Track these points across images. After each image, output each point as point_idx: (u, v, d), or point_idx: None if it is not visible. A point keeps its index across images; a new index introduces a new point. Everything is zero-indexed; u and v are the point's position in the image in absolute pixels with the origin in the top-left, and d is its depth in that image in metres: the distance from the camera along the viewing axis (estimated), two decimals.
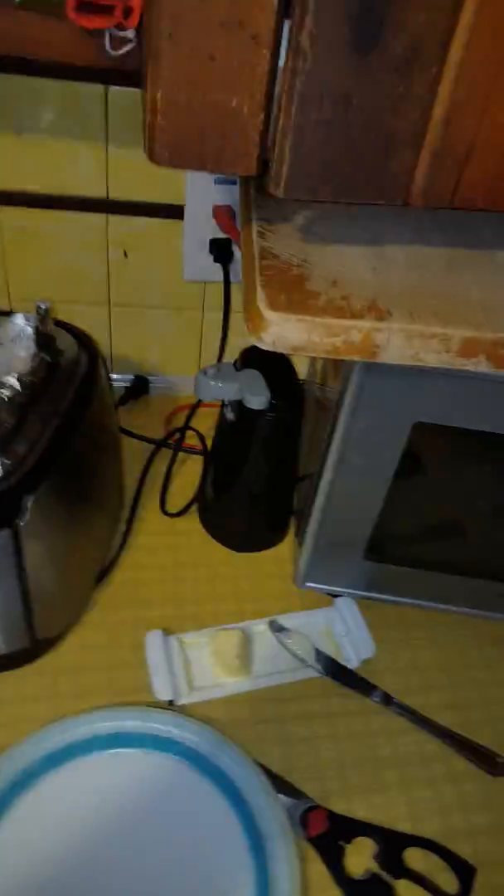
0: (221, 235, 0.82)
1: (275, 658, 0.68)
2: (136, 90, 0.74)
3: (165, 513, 0.80)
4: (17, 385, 0.57)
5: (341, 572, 0.72)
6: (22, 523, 0.56)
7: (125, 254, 0.84)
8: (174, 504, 0.81)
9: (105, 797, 0.58)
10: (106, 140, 0.77)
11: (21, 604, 0.59)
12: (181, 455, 0.85)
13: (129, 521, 0.78)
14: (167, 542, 0.78)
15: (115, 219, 0.82)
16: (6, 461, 0.57)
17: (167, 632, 0.68)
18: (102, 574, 0.73)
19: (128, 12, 0.59)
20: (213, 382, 0.68)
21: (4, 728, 0.61)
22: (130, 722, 0.60)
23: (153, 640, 0.66)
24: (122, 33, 0.60)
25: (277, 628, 0.70)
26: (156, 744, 0.60)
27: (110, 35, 0.60)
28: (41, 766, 0.58)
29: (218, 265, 0.84)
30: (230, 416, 0.71)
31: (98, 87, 0.73)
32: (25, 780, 0.57)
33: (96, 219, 0.82)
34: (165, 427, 0.90)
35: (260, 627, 0.70)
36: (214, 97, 0.41)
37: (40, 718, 0.61)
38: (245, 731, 0.62)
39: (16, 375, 0.57)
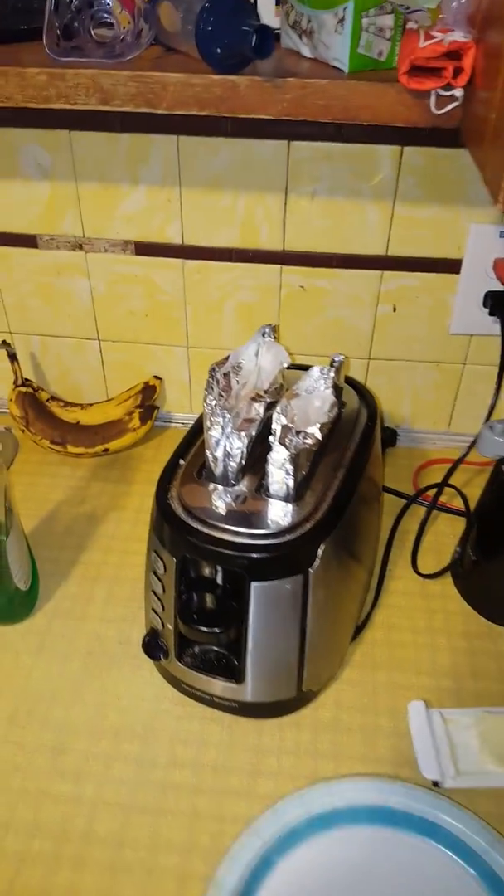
0: (500, 288, 0.80)
1: None
2: (427, 148, 0.74)
3: (418, 572, 0.76)
4: (318, 435, 0.57)
5: None
6: (312, 570, 0.56)
7: (394, 308, 0.84)
8: (424, 564, 0.77)
9: (365, 873, 0.54)
10: (394, 198, 0.78)
11: (297, 651, 0.59)
12: (433, 513, 0.82)
13: (381, 578, 0.76)
14: (420, 605, 0.74)
15: (389, 274, 0.82)
16: (301, 509, 0.57)
17: (428, 704, 0.64)
18: (358, 630, 0.70)
19: (457, 72, 0.59)
20: (498, 438, 0.64)
21: (266, 778, 0.60)
22: (396, 798, 0.57)
23: (416, 712, 0.62)
24: (447, 93, 0.60)
25: None
26: (421, 827, 0.56)
27: (437, 95, 0.61)
28: (306, 827, 0.56)
29: (492, 319, 0.81)
30: None
31: (395, 148, 0.75)
32: (289, 838, 0.55)
33: (371, 275, 0.83)
34: (414, 482, 0.88)
35: None
36: None
37: (301, 775, 0.60)
38: None
39: (318, 425, 0.57)
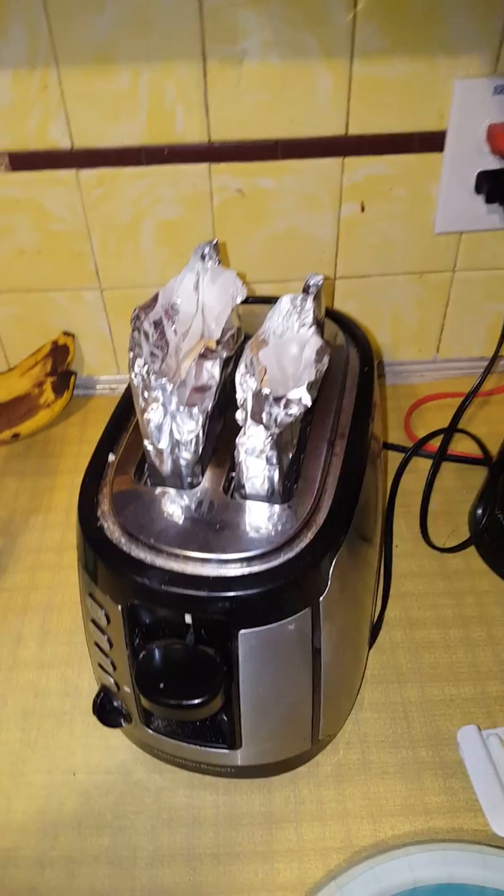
0: (496, 166, 0.61)
1: None
2: None
3: (432, 545, 0.61)
4: (307, 399, 0.39)
5: None
6: (323, 598, 0.39)
7: (362, 207, 0.65)
8: (437, 533, 0.62)
9: None
10: (351, 53, 0.57)
11: (310, 702, 0.42)
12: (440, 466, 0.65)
13: (388, 559, 0.60)
14: (441, 588, 0.59)
15: (352, 161, 0.63)
16: (294, 510, 0.40)
17: (480, 726, 0.49)
18: (373, 635, 0.55)
19: None
20: None
21: (286, 860, 0.45)
22: (464, 870, 0.43)
23: (470, 742, 0.48)
24: None
25: None
26: None
27: None
28: None
29: (488, 207, 0.63)
30: None
31: None
32: None
33: (329, 164, 0.63)
34: (405, 427, 0.71)
35: None
36: None
37: (331, 849, 0.45)
38: None
39: (306, 385, 0.39)
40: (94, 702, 0.47)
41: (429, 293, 0.71)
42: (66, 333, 0.72)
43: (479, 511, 0.59)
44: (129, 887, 0.45)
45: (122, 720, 0.46)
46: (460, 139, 0.61)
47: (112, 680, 0.44)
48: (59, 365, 0.71)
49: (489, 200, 0.63)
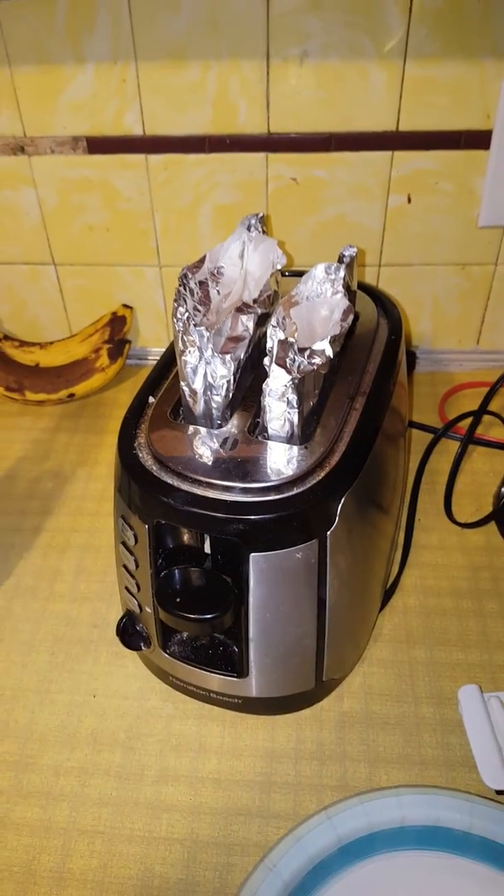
0: None
1: None
2: None
3: (454, 521, 0.63)
4: (329, 352, 0.42)
5: None
6: (330, 532, 0.42)
7: (409, 199, 0.68)
8: (460, 511, 0.64)
9: None
10: (404, 56, 0.61)
11: (315, 635, 0.45)
12: (467, 448, 0.67)
13: (409, 531, 0.62)
14: (460, 561, 0.61)
15: (401, 155, 0.66)
16: (311, 452, 0.43)
17: (482, 688, 0.51)
18: (386, 597, 0.57)
19: None
20: None
21: (282, 792, 0.48)
22: (452, 814, 0.44)
23: (470, 700, 0.49)
24: None
25: None
26: (484, 852, 0.44)
27: None
28: (338, 858, 0.43)
29: None
30: None
31: None
32: (317, 874, 0.43)
33: (380, 157, 0.67)
34: (440, 412, 0.73)
35: None
36: None
37: (326, 787, 0.48)
38: None
39: (328, 339, 0.42)
40: (118, 624, 0.51)
41: (471, 285, 0.74)
42: (125, 306, 0.78)
43: (503, 489, 0.61)
44: (134, 800, 0.48)
45: (142, 644, 0.50)
46: None
47: (136, 602, 0.48)
48: (116, 334, 0.76)
49: None
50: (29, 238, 0.75)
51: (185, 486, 0.42)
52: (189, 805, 0.48)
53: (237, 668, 0.47)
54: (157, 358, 0.89)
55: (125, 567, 0.48)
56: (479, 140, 0.65)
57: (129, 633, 0.50)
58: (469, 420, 0.65)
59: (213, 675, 0.48)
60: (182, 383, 0.46)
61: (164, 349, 0.82)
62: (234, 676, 0.48)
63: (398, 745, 0.50)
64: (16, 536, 0.65)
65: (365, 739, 0.50)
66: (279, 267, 0.50)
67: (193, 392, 0.46)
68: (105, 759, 0.50)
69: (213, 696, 0.50)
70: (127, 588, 0.49)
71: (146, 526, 0.43)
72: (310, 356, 0.43)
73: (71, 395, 0.76)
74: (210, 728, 0.52)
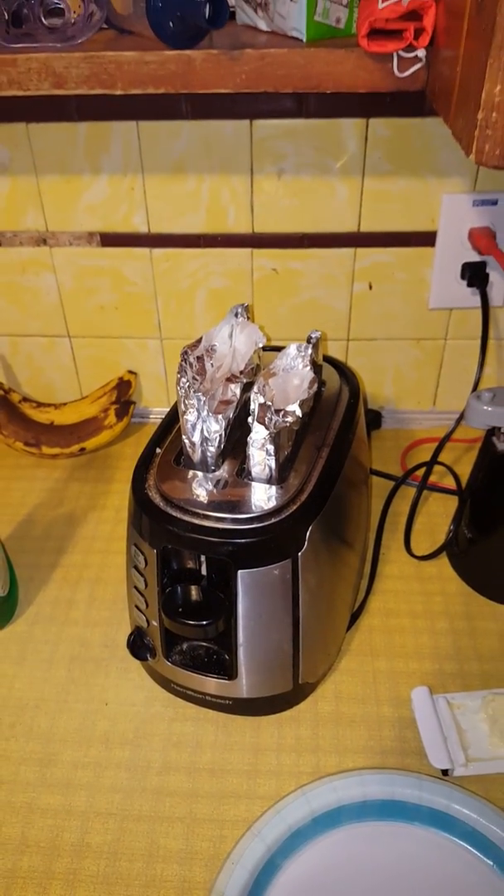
0: (477, 258, 0.78)
1: None
2: (392, 119, 0.72)
3: (412, 554, 0.74)
4: (298, 412, 0.54)
5: None
6: (301, 554, 0.53)
7: (370, 286, 0.82)
8: (418, 546, 0.75)
9: (376, 871, 0.51)
10: (363, 173, 0.76)
11: (291, 642, 0.56)
12: (424, 493, 0.79)
13: (374, 562, 0.73)
14: (416, 588, 0.71)
15: (363, 251, 0.80)
16: (285, 491, 0.54)
17: (432, 690, 0.61)
18: (353, 618, 0.68)
19: (419, 33, 0.57)
20: (487, 408, 0.62)
21: (266, 777, 0.57)
22: (405, 790, 0.54)
23: (421, 698, 0.59)
24: (410, 54, 0.58)
25: None
26: (433, 820, 0.53)
27: (399, 57, 0.59)
28: (311, 827, 0.52)
29: (470, 290, 0.79)
30: (502, 446, 0.64)
31: (359, 121, 0.72)
32: (294, 840, 0.52)
33: (345, 253, 0.80)
34: (402, 463, 0.85)
35: None
36: None
37: (303, 773, 0.57)
38: None
39: (298, 403, 0.54)
40: (128, 639, 0.61)
41: (426, 356, 0.87)
42: (130, 372, 0.91)
43: (452, 527, 0.72)
44: (142, 787, 0.57)
45: (148, 654, 0.60)
46: (448, 238, 0.78)
47: (144, 617, 0.59)
48: (122, 396, 0.89)
49: (470, 285, 0.79)
50: (48, 315, 0.88)
51: (187, 518, 0.53)
52: (188, 790, 0.57)
53: (228, 671, 0.57)
54: (158, 416, 1.03)
55: (136, 587, 0.58)
56: (426, 239, 0.79)
57: (137, 645, 0.60)
58: (423, 469, 0.76)
59: (208, 678, 0.58)
60: (183, 437, 0.58)
61: (164, 409, 0.96)
62: (225, 679, 0.57)
63: (363, 738, 0.59)
64: (35, 571, 0.75)
65: (335, 735, 0.59)
66: (260, 345, 0.63)
67: (192, 444, 0.57)
68: (116, 754, 0.59)
69: (208, 699, 0.60)
70: (137, 606, 0.59)
71: (155, 550, 0.54)
72: (284, 415, 0.54)
73: (82, 450, 0.87)
74: (205, 728, 0.61)
